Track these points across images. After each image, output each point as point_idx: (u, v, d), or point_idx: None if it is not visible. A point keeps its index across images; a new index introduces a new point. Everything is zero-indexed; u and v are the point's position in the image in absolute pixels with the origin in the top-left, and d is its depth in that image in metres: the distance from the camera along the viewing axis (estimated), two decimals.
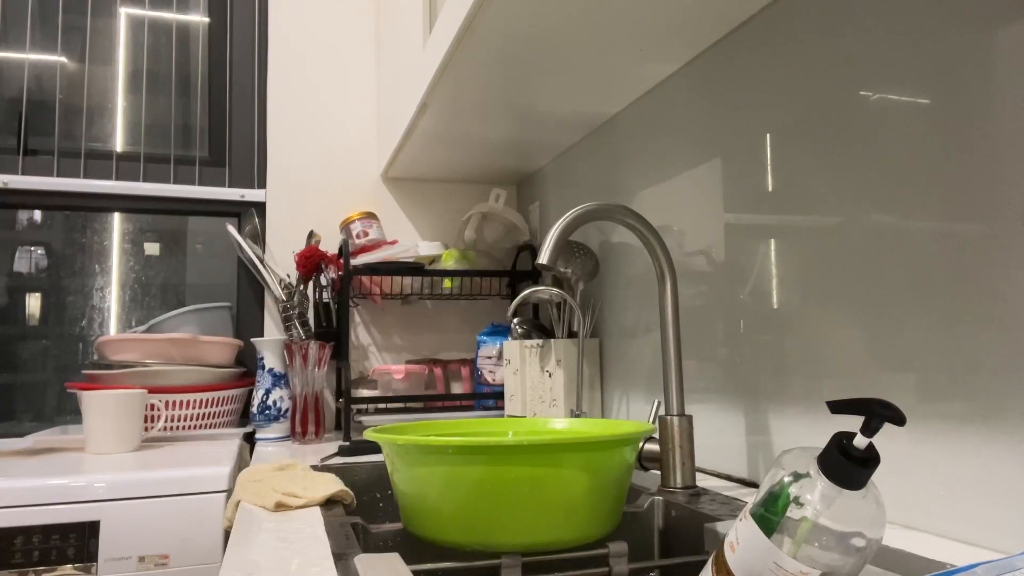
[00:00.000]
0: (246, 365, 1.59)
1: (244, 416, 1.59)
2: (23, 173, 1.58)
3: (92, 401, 1.16)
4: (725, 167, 0.93)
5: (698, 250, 0.99)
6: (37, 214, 1.63)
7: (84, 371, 1.41)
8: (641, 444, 0.85)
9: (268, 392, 1.43)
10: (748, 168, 0.88)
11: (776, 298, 0.83)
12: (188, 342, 1.41)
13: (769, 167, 0.84)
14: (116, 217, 1.67)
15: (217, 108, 1.73)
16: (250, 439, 1.47)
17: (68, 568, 0.92)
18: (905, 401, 0.66)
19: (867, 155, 0.70)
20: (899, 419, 0.39)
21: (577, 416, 1.16)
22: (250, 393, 1.54)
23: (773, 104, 0.84)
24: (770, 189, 0.84)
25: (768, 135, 0.85)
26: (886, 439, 0.68)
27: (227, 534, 0.97)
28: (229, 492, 1.00)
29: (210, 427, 1.44)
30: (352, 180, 1.74)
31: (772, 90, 0.84)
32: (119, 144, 1.68)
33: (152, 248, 1.70)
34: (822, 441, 0.76)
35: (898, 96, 0.67)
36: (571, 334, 1.28)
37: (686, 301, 1.00)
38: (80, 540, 0.93)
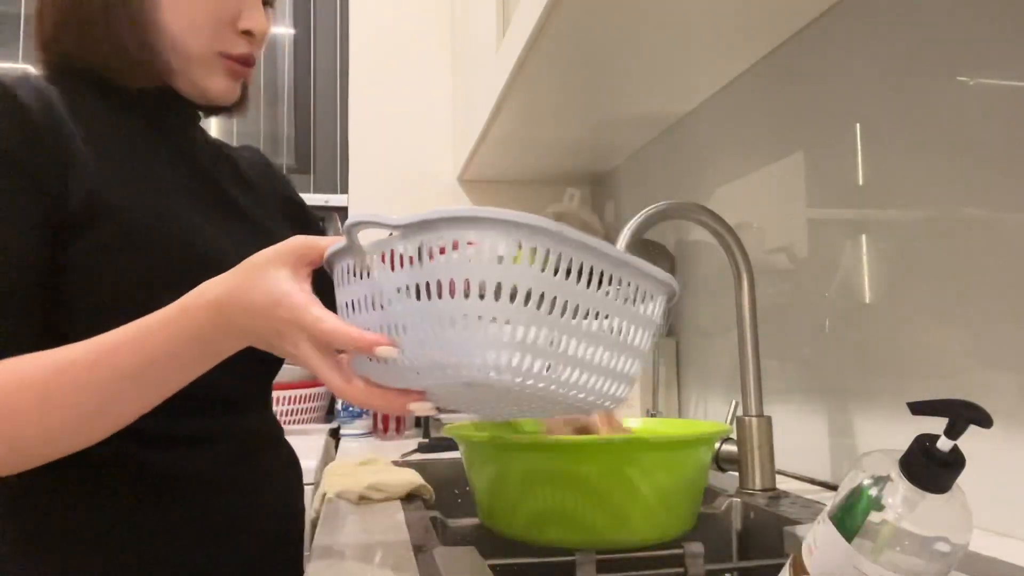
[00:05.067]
0: None
1: (330, 412, 1.66)
2: None
3: None
4: (808, 161, 0.91)
5: (779, 247, 0.97)
6: None
7: None
8: (718, 445, 0.84)
9: None
10: (834, 161, 0.86)
11: (864, 295, 0.81)
12: None
13: (860, 159, 0.81)
14: None
15: (302, 117, 1.81)
16: (335, 434, 1.53)
17: None
18: (1004, 402, 0.62)
19: (964, 144, 0.67)
20: (985, 421, 0.38)
21: (652, 416, 1.15)
22: None
23: (862, 93, 0.81)
24: (860, 182, 0.81)
25: (858, 125, 0.81)
26: (981, 441, 0.64)
27: (314, 524, 1.02)
28: (316, 485, 1.05)
29: (298, 422, 1.51)
30: (429, 183, 1.78)
31: (861, 78, 0.81)
32: None
33: None
34: None
35: (998, 80, 0.64)
36: None
37: (767, 300, 0.98)
38: None
